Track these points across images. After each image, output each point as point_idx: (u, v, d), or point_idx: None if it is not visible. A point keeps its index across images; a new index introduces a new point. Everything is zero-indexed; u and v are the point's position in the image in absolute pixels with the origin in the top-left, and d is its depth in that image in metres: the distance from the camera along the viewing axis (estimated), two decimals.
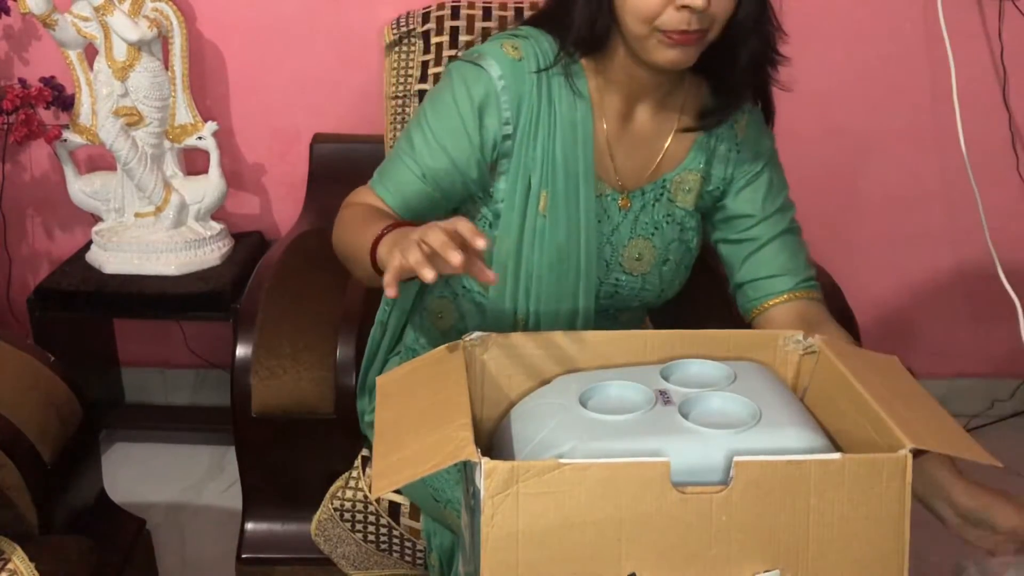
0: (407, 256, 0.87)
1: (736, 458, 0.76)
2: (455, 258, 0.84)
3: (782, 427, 0.85)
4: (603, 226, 1.17)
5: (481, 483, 0.75)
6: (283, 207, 2.15)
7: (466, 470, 0.85)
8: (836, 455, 0.78)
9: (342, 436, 1.42)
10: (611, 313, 1.24)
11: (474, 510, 0.80)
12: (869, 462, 0.79)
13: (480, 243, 0.86)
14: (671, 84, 1.15)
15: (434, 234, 0.87)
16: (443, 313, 1.25)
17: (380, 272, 0.97)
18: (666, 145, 1.17)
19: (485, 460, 0.75)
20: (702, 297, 1.58)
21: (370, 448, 1.36)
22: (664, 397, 0.90)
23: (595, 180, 1.14)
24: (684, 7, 0.99)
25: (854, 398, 0.90)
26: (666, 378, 0.94)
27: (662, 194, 1.19)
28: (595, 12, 1.05)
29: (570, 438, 0.84)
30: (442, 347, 0.98)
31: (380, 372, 1.31)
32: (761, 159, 1.21)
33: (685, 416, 0.86)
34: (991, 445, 0.87)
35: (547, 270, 1.14)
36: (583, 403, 0.90)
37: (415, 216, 1.12)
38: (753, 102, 1.18)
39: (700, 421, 0.85)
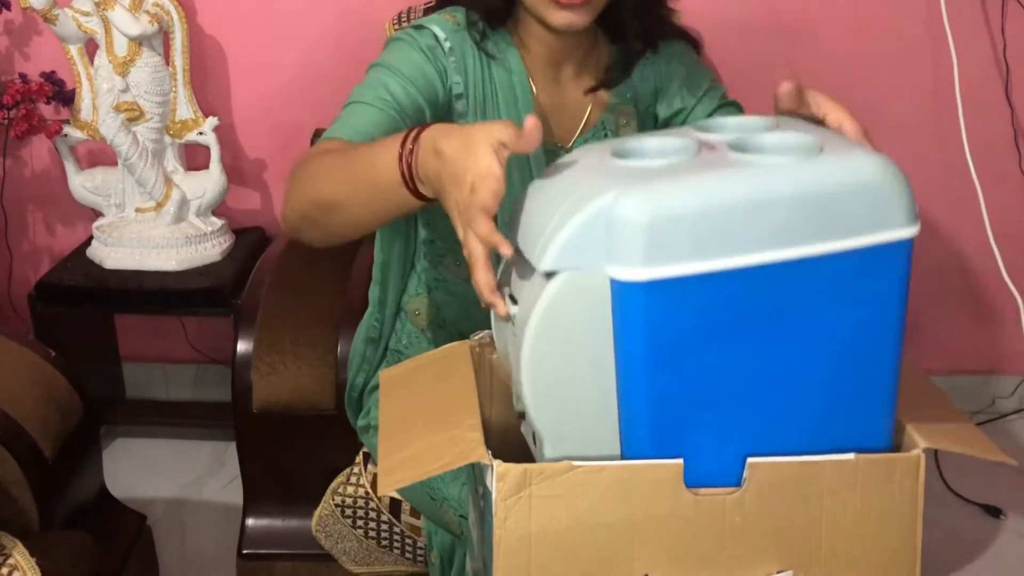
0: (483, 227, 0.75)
1: (749, 459, 0.76)
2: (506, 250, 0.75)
3: (850, 150, 0.77)
4: None
5: (493, 486, 0.74)
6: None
7: (475, 471, 0.85)
8: (850, 455, 0.77)
9: (343, 432, 1.42)
10: None
11: (484, 511, 0.79)
12: (883, 462, 0.78)
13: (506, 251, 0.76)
14: (588, 45, 1.18)
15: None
16: (420, 310, 1.26)
17: (414, 187, 0.84)
18: (587, 112, 1.20)
19: (497, 463, 0.75)
20: None
21: (365, 453, 1.36)
22: (708, 145, 0.79)
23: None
24: None
25: None
26: (703, 130, 0.84)
27: (604, 135, 1.21)
28: None
29: (610, 187, 0.72)
30: (447, 345, 0.97)
31: (368, 380, 1.31)
32: (676, 59, 1.24)
33: (740, 151, 0.77)
34: (994, 442, 0.87)
35: (508, 231, 1.12)
36: (617, 157, 0.78)
37: None
38: (653, 48, 1.20)
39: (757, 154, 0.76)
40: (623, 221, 0.71)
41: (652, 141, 0.82)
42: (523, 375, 0.77)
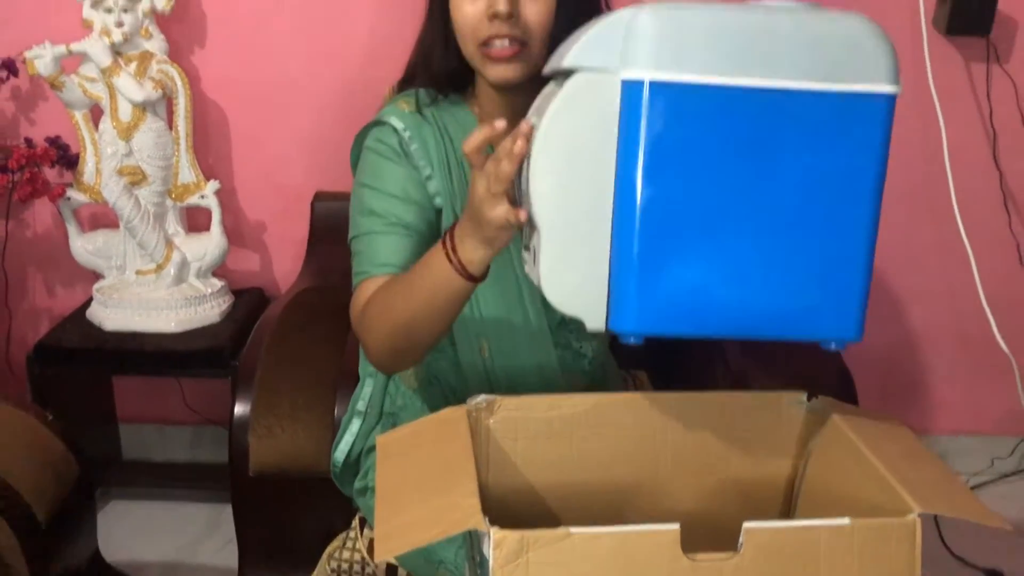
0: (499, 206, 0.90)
1: (746, 524, 0.76)
2: (520, 146, 0.86)
3: (845, 12, 0.84)
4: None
5: (490, 553, 0.74)
6: (284, 264, 2.16)
7: (472, 537, 0.85)
8: (845, 520, 0.78)
9: (339, 495, 1.41)
10: (573, 348, 1.26)
11: None
12: (878, 527, 0.79)
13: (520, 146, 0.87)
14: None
15: (490, 174, 0.90)
16: (410, 370, 1.27)
17: (468, 274, 0.97)
18: None
19: (494, 530, 0.75)
20: (698, 353, 1.59)
21: (362, 518, 1.36)
22: None
23: None
24: (494, 16, 1.08)
25: (860, 460, 0.91)
26: None
27: None
28: (446, 51, 1.17)
29: (632, 6, 0.83)
30: (445, 410, 0.97)
31: (364, 446, 1.32)
32: None
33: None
34: (992, 503, 0.87)
35: (489, 287, 1.14)
36: None
37: None
38: None
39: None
40: (638, 27, 0.81)
41: None
42: (533, 168, 0.86)
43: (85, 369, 1.98)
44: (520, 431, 0.99)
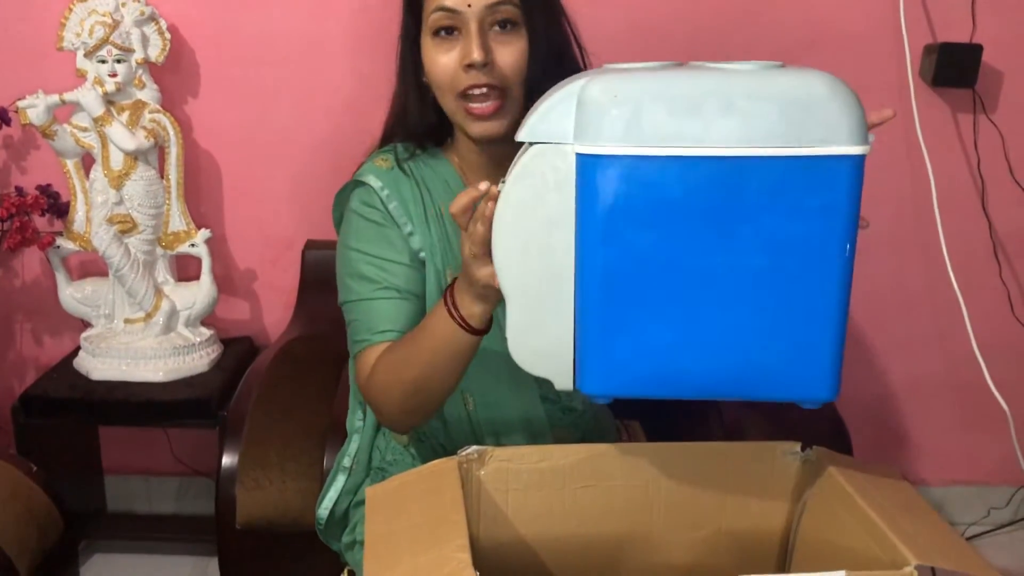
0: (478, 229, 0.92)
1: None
2: (490, 208, 0.89)
3: (808, 69, 0.83)
4: None
5: None
6: (273, 313, 2.15)
7: None
8: (841, 573, 0.76)
9: (327, 549, 1.39)
10: (562, 402, 1.26)
11: None
12: None
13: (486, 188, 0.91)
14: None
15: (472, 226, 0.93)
16: None
17: (470, 328, 1.00)
18: None
19: None
20: (692, 404, 1.58)
21: (350, 571, 1.34)
22: (691, 65, 0.90)
23: None
24: (469, 66, 1.08)
25: (855, 511, 0.89)
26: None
27: None
28: (423, 105, 1.18)
29: (586, 77, 0.84)
30: (435, 461, 0.96)
31: (351, 500, 1.31)
32: None
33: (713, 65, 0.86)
34: (990, 554, 0.86)
35: None
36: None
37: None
38: None
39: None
40: (587, 100, 0.81)
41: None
42: (494, 235, 0.88)
43: (71, 420, 1.95)
44: (511, 482, 0.97)
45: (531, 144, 0.86)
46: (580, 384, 0.87)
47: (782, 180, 0.80)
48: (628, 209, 0.81)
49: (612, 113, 0.80)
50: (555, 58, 1.13)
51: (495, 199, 0.89)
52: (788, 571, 1.02)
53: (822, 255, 0.81)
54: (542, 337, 0.88)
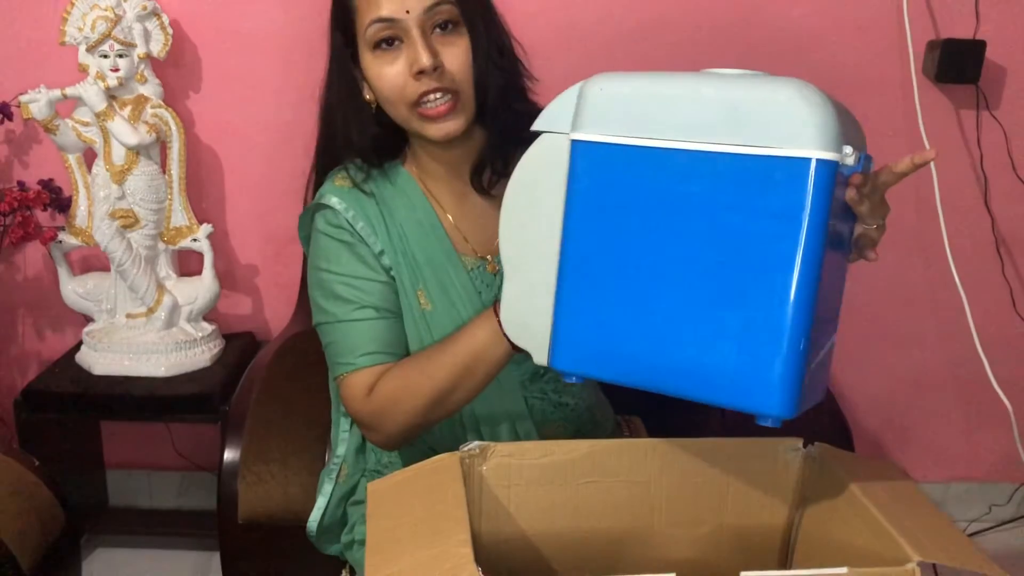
0: None
1: (743, 574, 0.75)
2: None
3: (784, 78, 0.83)
4: (484, 296, 1.19)
5: None
6: (275, 308, 2.15)
7: None
8: (843, 569, 0.76)
9: None
10: (551, 399, 1.25)
11: None
12: None
13: None
14: (479, 150, 1.19)
15: None
16: None
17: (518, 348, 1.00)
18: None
19: None
20: (694, 402, 1.57)
21: (351, 568, 1.34)
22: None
23: (458, 259, 1.19)
24: (419, 73, 1.07)
25: (857, 507, 0.89)
26: None
27: None
28: (362, 123, 1.15)
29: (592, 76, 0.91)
30: (436, 457, 0.96)
31: (346, 501, 1.31)
32: None
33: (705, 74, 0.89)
34: (992, 551, 0.86)
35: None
36: None
37: (400, 346, 1.15)
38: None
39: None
40: (585, 94, 0.89)
41: None
42: (502, 213, 0.98)
43: (73, 414, 1.96)
44: (513, 477, 0.97)
45: (541, 132, 0.94)
46: (552, 360, 0.93)
47: (741, 177, 0.81)
48: (596, 193, 0.88)
49: (598, 105, 0.88)
50: (497, 52, 1.12)
51: None
52: (790, 568, 1.02)
53: (777, 261, 0.80)
54: (529, 312, 0.96)
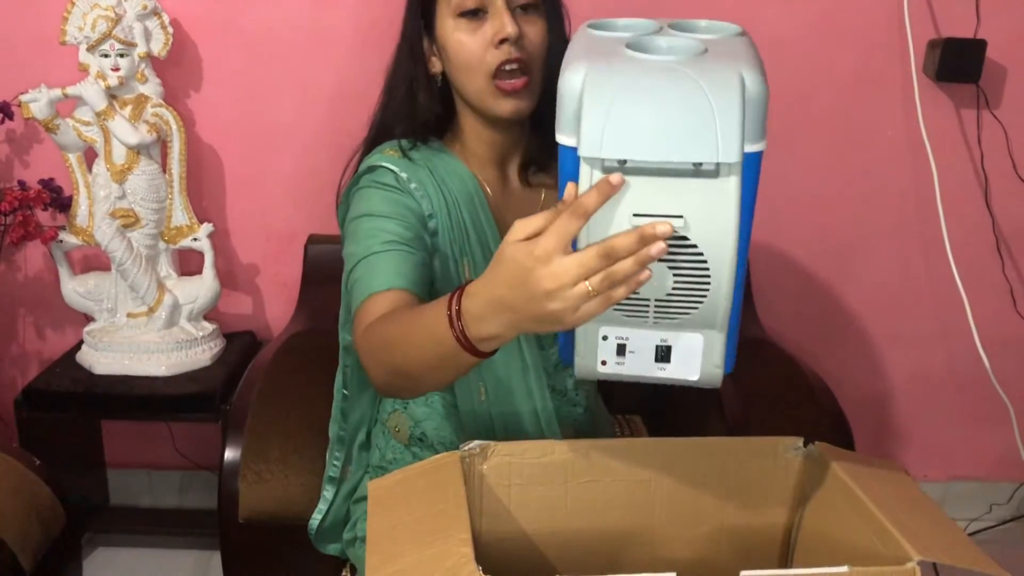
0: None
1: (743, 573, 0.75)
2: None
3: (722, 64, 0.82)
4: None
5: None
6: (276, 307, 2.15)
7: None
8: (844, 568, 0.76)
9: None
10: (568, 395, 1.25)
11: None
12: (877, 575, 0.77)
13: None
14: (525, 139, 1.22)
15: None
16: (399, 427, 1.26)
17: (477, 351, 0.86)
18: (542, 199, 1.24)
19: None
20: (694, 399, 1.58)
21: (352, 566, 1.34)
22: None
23: (500, 240, 1.16)
24: (503, 40, 1.10)
25: (858, 507, 0.89)
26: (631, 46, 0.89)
27: None
28: (431, 96, 1.18)
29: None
30: (437, 456, 0.96)
31: (351, 499, 1.31)
32: None
33: (638, 50, 0.84)
34: (992, 550, 0.86)
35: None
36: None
37: (423, 287, 1.08)
38: None
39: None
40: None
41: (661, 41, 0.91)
42: None
43: (74, 413, 1.96)
44: (514, 476, 0.97)
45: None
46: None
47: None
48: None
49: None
50: (564, 42, 1.13)
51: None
52: (790, 567, 1.02)
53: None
54: None
